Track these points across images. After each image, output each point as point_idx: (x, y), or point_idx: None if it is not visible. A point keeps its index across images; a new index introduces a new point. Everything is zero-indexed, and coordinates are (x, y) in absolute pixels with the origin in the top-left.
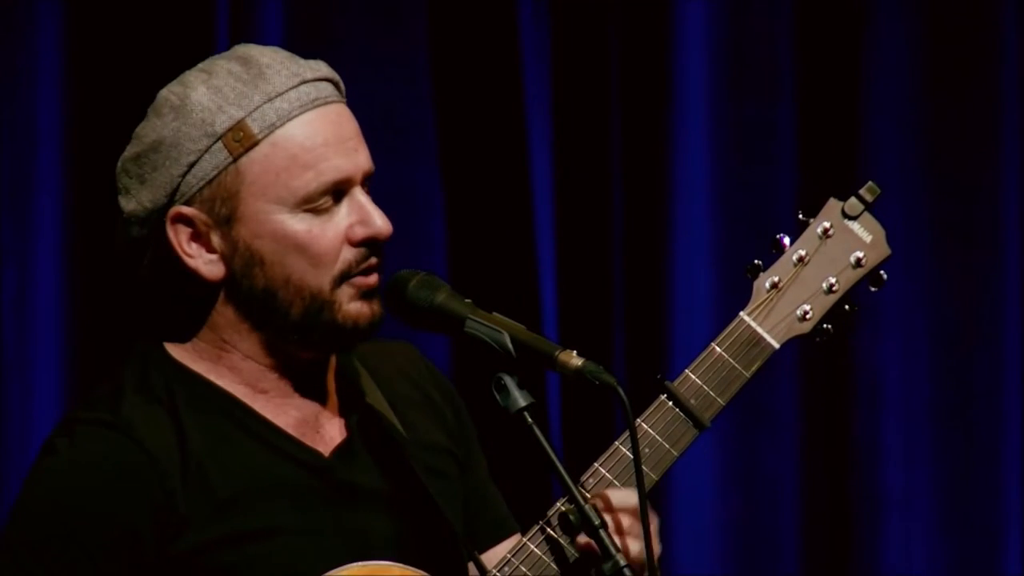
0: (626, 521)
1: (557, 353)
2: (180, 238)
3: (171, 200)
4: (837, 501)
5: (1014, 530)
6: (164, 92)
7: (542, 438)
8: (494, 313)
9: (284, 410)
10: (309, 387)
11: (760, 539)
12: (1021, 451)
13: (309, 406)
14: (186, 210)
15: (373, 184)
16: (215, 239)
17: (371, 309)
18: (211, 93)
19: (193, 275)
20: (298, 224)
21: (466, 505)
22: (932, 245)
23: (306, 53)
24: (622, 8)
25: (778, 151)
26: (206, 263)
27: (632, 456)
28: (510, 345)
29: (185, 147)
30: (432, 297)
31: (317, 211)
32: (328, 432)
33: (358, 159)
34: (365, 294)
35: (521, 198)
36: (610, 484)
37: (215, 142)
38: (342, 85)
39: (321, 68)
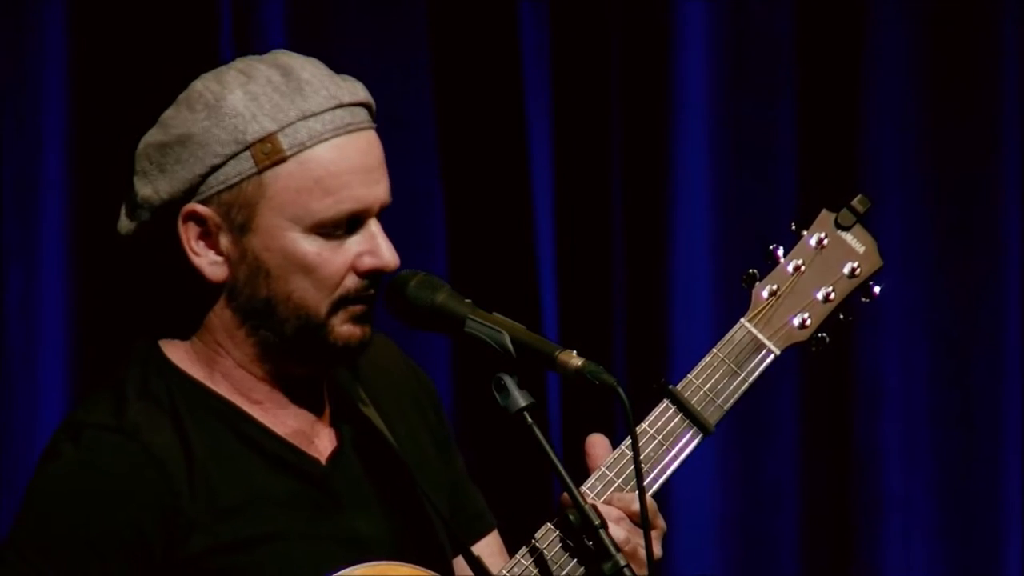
0: (621, 533)
1: (557, 353)
2: (190, 234)
3: (188, 196)
4: (837, 503)
5: (1014, 533)
6: (200, 85)
7: (542, 438)
8: (494, 313)
9: (280, 419)
10: (302, 398)
11: (760, 541)
12: (1021, 453)
13: (304, 415)
14: (201, 209)
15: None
16: (224, 242)
17: (362, 331)
18: (247, 99)
19: (195, 273)
20: (309, 245)
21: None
22: (932, 247)
23: (307, 52)
24: (622, 8)
25: (778, 151)
26: (211, 263)
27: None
28: (510, 345)
29: (212, 148)
30: (432, 297)
31: (328, 236)
32: (322, 440)
33: (378, 191)
34: (357, 318)
35: (521, 198)
36: (616, 487)
37: (243, 150)
38: (374, 109)
39: (359, 92)
